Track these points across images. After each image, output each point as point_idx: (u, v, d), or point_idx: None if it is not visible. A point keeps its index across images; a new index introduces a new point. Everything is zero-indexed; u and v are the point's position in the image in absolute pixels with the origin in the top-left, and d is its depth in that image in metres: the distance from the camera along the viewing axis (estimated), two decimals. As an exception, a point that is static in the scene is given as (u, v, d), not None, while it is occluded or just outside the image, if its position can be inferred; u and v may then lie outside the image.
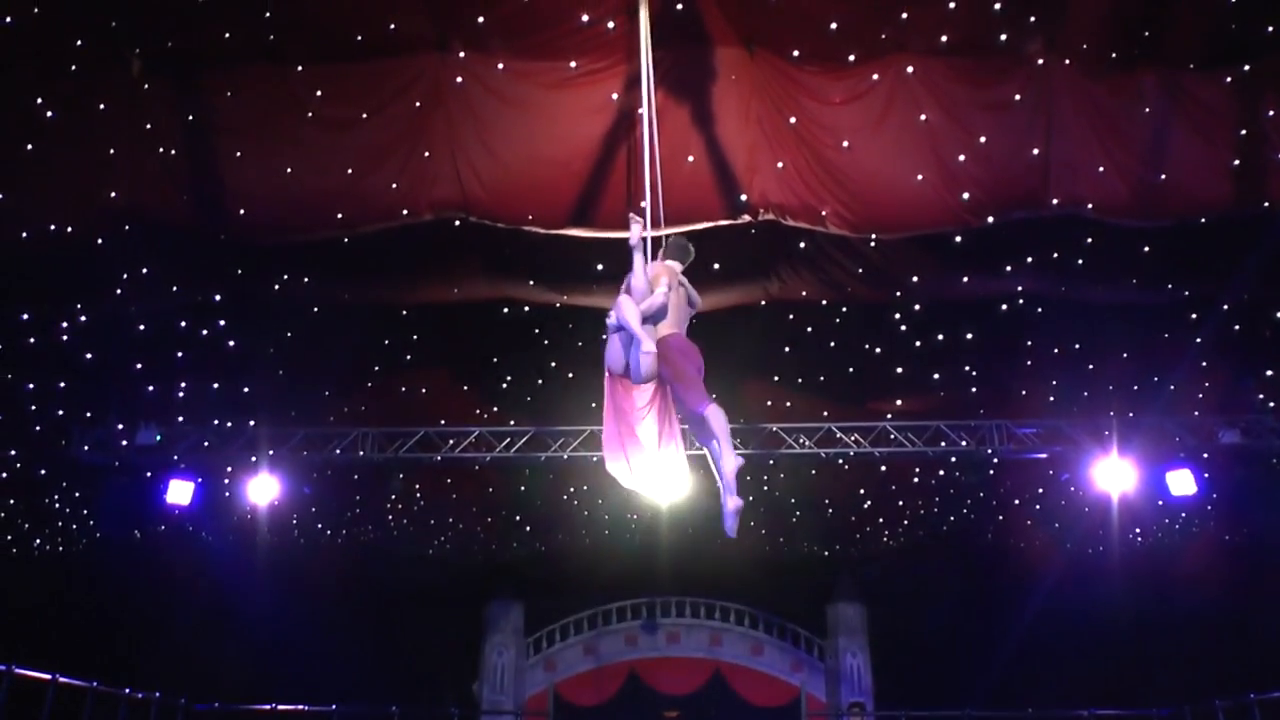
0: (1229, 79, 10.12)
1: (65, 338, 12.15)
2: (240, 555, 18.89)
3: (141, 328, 12.40)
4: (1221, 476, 16.77)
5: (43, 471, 16.08)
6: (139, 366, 13.65)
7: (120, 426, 15.24)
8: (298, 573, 19.77)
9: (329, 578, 20.41)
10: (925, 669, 21.75)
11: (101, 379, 13.72)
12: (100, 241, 10.34)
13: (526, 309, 12.94)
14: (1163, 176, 10.22)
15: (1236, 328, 13.02)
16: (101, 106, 9.75)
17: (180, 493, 15.89)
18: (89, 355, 12.77)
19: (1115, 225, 10.67)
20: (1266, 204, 10.28)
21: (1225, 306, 12.47)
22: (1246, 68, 10.07)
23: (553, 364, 14.58)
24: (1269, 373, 14.61)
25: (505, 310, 12.98)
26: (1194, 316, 12.86)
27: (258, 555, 18.71)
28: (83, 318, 11.84)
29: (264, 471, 15.84)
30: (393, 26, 9.66)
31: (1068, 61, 10.02)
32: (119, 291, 11.46)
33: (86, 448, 15.22)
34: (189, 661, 18.67)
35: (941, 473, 17.82)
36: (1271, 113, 10.05)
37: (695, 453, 15.51)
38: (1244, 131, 10.13)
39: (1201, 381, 14.89)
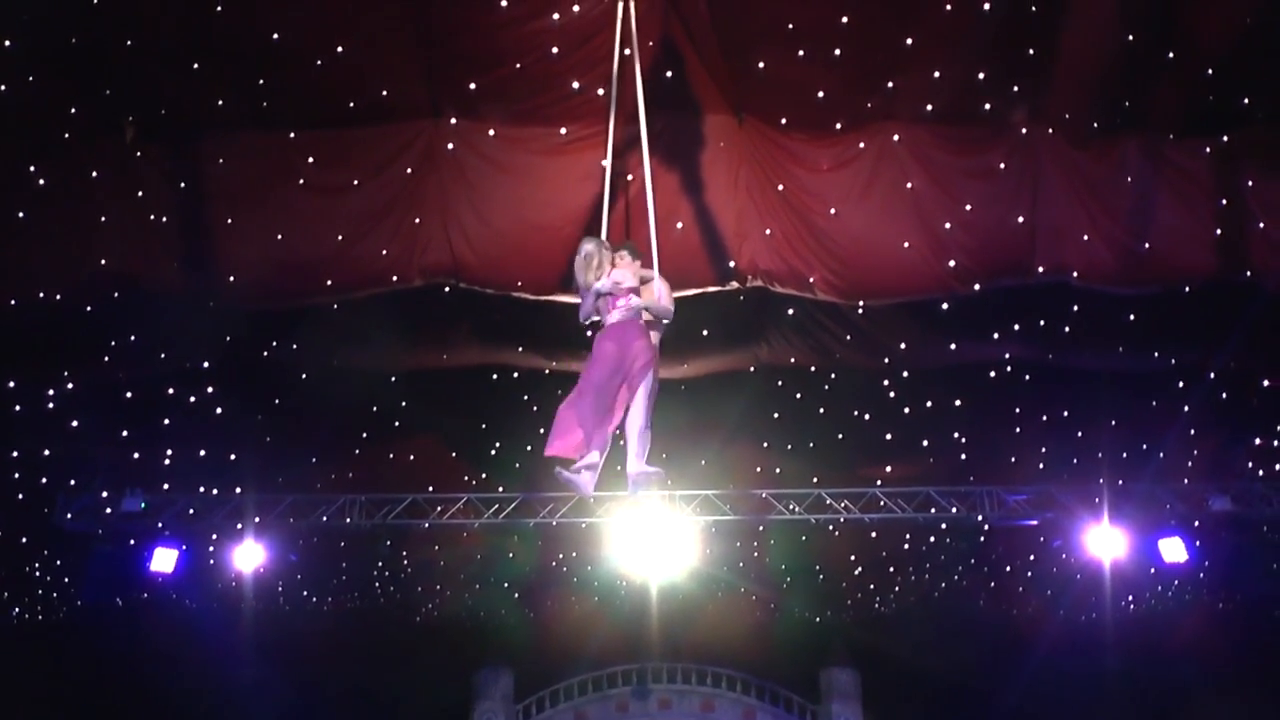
0: (1209, 149, 10.25)
1: (51, 405, 12.06)
2: (225, 623, 18.65)
3: (129, 395, 12.33)
4: (1213, 543, 16.75)
5: (24, 539, 15.90)
6: (125, 434, 13.56)
7: (105, 494, 15.10)
8: (283, 640, 19.49)
9: (315, 645, 20.13)
10: (919, 736, 21.55)
11: (87, 446, 13.62)
12: (89, 309, 10.31)
13: (515, 375, 12.94)
14: (1147, 245, 10.31)
15: (1224, 395, 13.04)
16: (94, 174, 9.78)
17: (164, 561, 15.74)
18: (75, 423, 12.68)
19: (1101, 293, 10.74)
20: (1249, 272, 10.37)
21: (1212, 374, 12.50)
22: (1225, 138, 10.22)
23: (541, 430, 14.44)
24: (1258, 440, 14.62)
25: (494, 376, 12.97)
26: (1181, 384, 12.88)
27: (243, 623, 18.47)
28: (69, 385, 11.78)
29: (250, 538, 15.70)
30: (385, 93, 9.73)
31: (1051, 130, 10.14)
32: (107, 359, 11.41)
33: (70, 515, 15.06)
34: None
35: (932, 539, 17.76)
36: (1250, 182, 10.18)
37: (704, 518, 15.56)
38: (1225, 201, 10.25)
39: (1191, 449, 14.90)
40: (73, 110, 9.49)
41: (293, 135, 9.92)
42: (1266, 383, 12.79)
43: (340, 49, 9.23)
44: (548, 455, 7.07)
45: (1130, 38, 9.42)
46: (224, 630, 18.61)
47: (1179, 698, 19.37)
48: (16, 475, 13.89)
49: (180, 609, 18.94)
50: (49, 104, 9.36)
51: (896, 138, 10.07)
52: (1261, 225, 10.25)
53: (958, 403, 13.70)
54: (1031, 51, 9.52)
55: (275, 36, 9.08)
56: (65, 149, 9.66)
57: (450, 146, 10.03)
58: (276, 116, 9.82)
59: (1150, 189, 10.26)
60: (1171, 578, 18.58)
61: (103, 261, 9.96)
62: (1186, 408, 13.25)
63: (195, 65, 9.29)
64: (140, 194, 9.88)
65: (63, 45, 8.95)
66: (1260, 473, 15.29)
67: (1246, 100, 9.96)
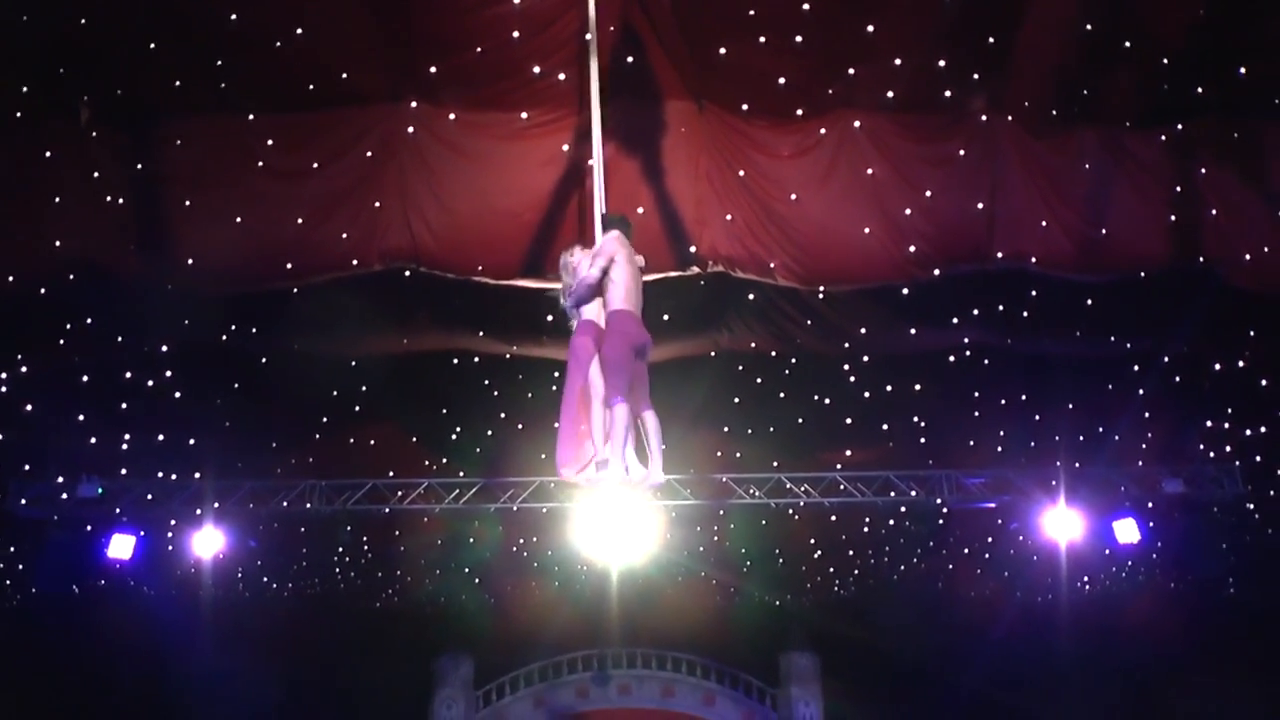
0: (1164, 137, 10.42)
1: (5, 389, 11.88)
2: (184, 610, 18.53)
3: (85, 379, 12.18)
4: (1165, 525, 16.99)
5: (-24, 526, 15.72)
6: (81, 418, 13.38)
7: (60, 480, 14.91)
8: (242, 627, 19.38)
9: (275, 632, 20.03)
10: (878, 718, 21.73)
11: (42, 431, 13.44)
12: (44, 292, 10.17)
13: (476, 360, 12.90)
14: (1103, 232, 10.46)
15: (1177, 379, 13.23)
16: (48, 155, 9.65)
17: (121, 547, 15.58)
18: (29, 407, 12.51)
19: (1059, 279, 10.87)
20: (1202, 259, 10.56)
21: (1166, 359, 12.68)
22: (1180, 127, 10.39)
23: (502, 415, 14.51)
24: (1209, 424, 14.85)
25: (455, 361, 12.93)
26: (1136, 368, 13.06)
27: (201, 610, 18.34)
28: (24, 369, 11.61)
29: (209, 524, 15.57)
30: (345, 76, 9.66)
31: (1011, 118, 10.26)
32: (62, 342, 11.26)
33: (24, 501, 14.83)
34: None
35: (891, 522, 17.88)
36: (1204, 171, 10.38)
37: (664, 502, 15.59)
38: (1179, 189, 10.43)
39: (1145, 432, 15.10)
40: (25, 90, 9.36)
41: (252, 118, 9.84)
42: (1218, 367, 13.00)
43: (299, 31, 9.17)
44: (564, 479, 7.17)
45: (1088, 27, 9.54)
46: (183, 617, 18.49)
47: (1133, 676, 19.71)
48: (-33, 460, 13.73)
49: (138, 596, 18.79)
50: (1, 83, 9.22)
51: (857, 124, 10.14)
52: (1214, 213, 10.45)
53: (917, 387, 13.81)
54: (992, 40, 9.62)
55: (233, 18, 9.00)
56: (17, 129, 9.52)
57: (411, 131, 9.98)
58: (235, 99, 9.73)
59: (1107, 177, 10.40)
60: (1125, 559, 18.85)
61: (57, 244, 9.83)
62: (1141, 392, 13.43)
63: (152, 46, 9.20)
64: (96, 175, 9.76)
65: (14, 23, 8.81)
66: (1211, 455, 15.53)
67: (1200, 90, 10.13)
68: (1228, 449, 15.44)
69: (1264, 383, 13.30)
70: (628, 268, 7.17)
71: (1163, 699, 19.23)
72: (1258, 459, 15.45)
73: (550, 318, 11.32)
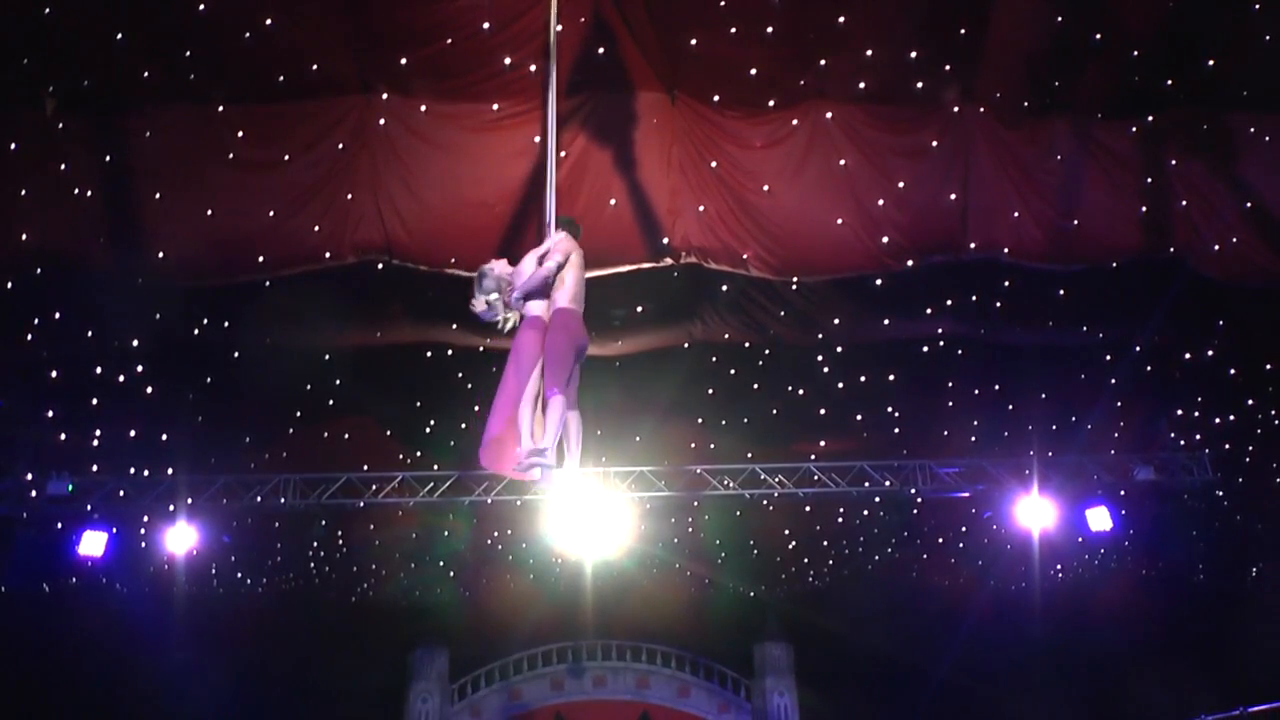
0: (1134, 129, 10.51)
1: (-29, 386, 11.80)
2: (156, 607, 18.39)
3: (54, 374, 12.06)
4: (1137, 512, 17.14)
5: (-56, 525, 15.55)
6: (51, 414, 13.26)
7: (30, 476, 14.77)
8: (217, 623, 19.28)
9: (249, 627, 19.94)
10: (852, 708, 21.84)
11: (10, 427, 13.31)
12: (10, 285, 10.08)
13: (449, 352, 12.87)
14: (1075, 222, 10.54)
15: (1149, 369, 13.35)
16: (13, 146, 9.55)
17: (93, 544, 15.45)
18: (-2, 403, 12.42)
19: (1031, 269, 10.94)
20: (1172, 249, 10.65)
21: (1137, 348, 12.79)
22: (1150, 118, 10.47)
23: (476, 408, 14.43)
24: (1179, 412, 14.98)
25: (428, 354, 12.89)
26: (1108, 358, 13.16)
27: (175, 606, 18.22)
28: (-9, 364, 11.53)
29: (182, 520, 15.45)
30: (316, 68, 9.62)
31: (983, 109, 10.33)
32: (31, 337, 11.15)
33: (-8, 499, 14.77)
34: (101, 718, 18.12)
35: (866, 512, 17.95)
36: (1173, 162, 10.48)
37: (639, 494, 15.59)
38: (1149, 180, 10.53)
39: (1117, 421, 15.23)
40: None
41: (221, 109, 9.79)
42: (1187, 356, 13.12)
43: (269, 22, 9.11)
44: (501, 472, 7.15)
45: (1059, 20, 9.60)
46: (156, 614, 18.35)
47: (1104, 662, 19.85)
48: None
49: (110, 593, 18.62)
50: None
51: (830, 115, 10.18)
52: (1184, 203, 10.55)
53: (891, 378, 13.86)
54: (963, 32, 9.66)
55: (202, 8, 8.92)
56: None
57: (382, 122, 9.95)
58: (205, 89, 9.68)
59: (1079, 168, 10.48)
60: (1098, 546, 18.98)
61: (24, 236, 9.73)
62: (1113, 381, 13.55)
63: (119, 36, 9.10)
64: (63, 167, 9.66)
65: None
66: (1181, 443, 15.68)
67: (1169, 82, 10.21)
68: (1197, 437, 15.60)
69: (1232, 372, 13.46)
70: (576, 269, 7.18)
71: (1133, 685, 19.36)
72: (1226, 446, 15.62)
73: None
